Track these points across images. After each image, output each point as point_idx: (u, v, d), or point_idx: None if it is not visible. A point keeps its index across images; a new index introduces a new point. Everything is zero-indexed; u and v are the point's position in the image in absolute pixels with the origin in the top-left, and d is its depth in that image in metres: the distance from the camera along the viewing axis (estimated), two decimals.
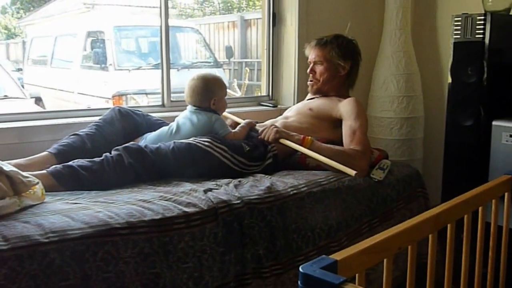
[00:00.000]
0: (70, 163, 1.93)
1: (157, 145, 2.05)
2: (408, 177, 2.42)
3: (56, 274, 1.37)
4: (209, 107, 2.33)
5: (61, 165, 1.92)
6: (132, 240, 1.52)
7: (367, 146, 2.26)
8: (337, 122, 2.36)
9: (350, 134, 2.27)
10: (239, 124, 2.44)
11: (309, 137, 2.18)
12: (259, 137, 2.24)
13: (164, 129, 2.35)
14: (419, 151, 3.56)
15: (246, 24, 7.76)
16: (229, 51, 7.57)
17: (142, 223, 1.56)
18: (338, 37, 2.53)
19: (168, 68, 2.96)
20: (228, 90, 2.53)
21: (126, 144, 2.01)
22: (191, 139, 2.11)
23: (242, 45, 7.79)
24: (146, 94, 4.93)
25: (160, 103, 3.01)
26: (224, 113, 2.50)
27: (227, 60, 7.53)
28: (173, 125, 2.35)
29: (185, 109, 2.41)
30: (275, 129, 2.22)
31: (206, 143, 2.07)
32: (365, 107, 3.37)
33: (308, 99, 2.66)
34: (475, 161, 3.07)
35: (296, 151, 2.25)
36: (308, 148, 2.16)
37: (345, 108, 2.35)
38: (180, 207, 1.67)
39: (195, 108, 2.33)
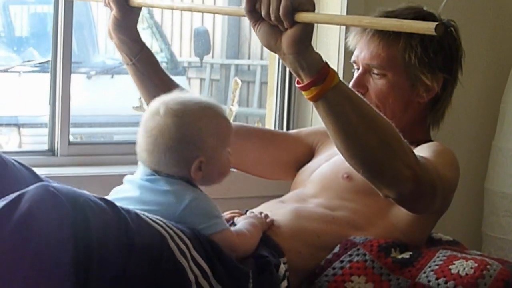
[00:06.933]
0: None
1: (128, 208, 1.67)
2: None
3: None
4: (186, 176, 1.86)
5: None
6: None
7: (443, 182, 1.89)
8: None
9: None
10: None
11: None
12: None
13: None
14: None
15: None
16: (201, 42, 6.50)
17: None
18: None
19: (69, 72, 2.51)
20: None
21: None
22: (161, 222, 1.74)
23: (231, 28, 6.63)
24: (18, 125, 3.95)
25: (46, 146, 2.57)
26: None
27: (197, 59, 6.44)
28: None
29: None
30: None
31: (182, 246, 1.70)
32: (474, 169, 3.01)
33: None
34: None
35: (326, 266, 1.91)
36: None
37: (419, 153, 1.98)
38: None
39: (149, 173, 1.87)
